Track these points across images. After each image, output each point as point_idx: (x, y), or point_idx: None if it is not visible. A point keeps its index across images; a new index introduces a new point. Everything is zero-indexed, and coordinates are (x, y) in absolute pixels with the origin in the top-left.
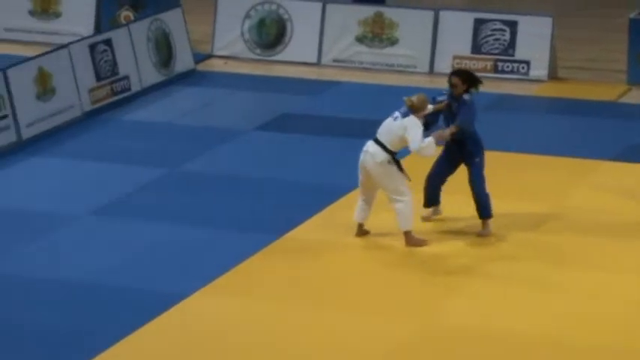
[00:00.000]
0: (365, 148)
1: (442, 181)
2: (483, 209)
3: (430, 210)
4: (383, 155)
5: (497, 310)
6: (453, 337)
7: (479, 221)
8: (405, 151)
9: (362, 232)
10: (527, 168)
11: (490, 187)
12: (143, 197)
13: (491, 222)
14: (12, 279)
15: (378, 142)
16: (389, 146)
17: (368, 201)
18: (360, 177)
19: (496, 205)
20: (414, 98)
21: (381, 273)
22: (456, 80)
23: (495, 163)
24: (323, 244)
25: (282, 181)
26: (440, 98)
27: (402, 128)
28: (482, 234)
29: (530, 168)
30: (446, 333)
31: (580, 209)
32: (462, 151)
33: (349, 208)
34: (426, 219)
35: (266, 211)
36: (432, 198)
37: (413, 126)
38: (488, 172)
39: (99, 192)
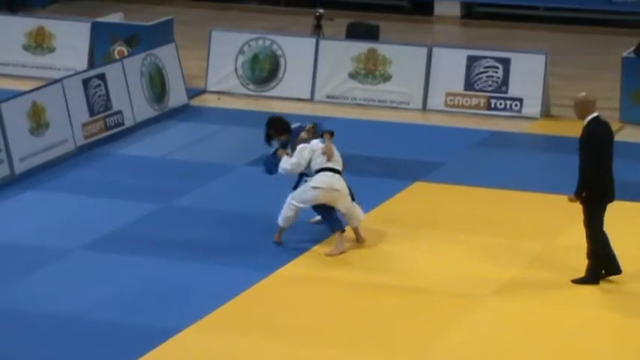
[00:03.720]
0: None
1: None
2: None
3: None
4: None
5: (491, 349)
6: None
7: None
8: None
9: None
10: (519, 205)
11: (481, 223)
12: (135, 232)
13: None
14: (2, 313)
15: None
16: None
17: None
18: (325, 199)
19: (487, 243)
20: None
21: (373, 308)
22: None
23: (487, 200)
24: (313, 281)
25: (273, 217)
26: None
27: None
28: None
29: (522, 206)
30: None
31: (571, 248)
32: None
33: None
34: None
35: (257, 248)
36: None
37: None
38: (481, 208)
39: (91, 226)
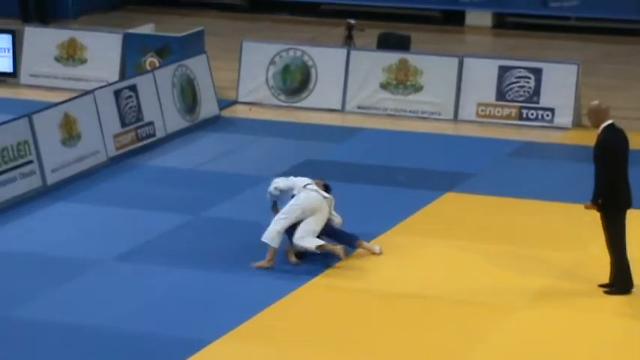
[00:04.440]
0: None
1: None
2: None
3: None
4: None
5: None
6: None
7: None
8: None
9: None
10: (550, 216)
11: (513, 234)
12: (167, 243)
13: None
14: (35, 324)
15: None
16: None
17: None
18: (313, 201)
19: (519, 253)
20: None
21: (405, 318)
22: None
23: (519, 210)
24: (346, 291)
25: None
26: None
27: None
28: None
29: (553, 216)
30: None
31: (603, 258)
32: None
33: (373, 256)
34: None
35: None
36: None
37: None
38: (513, 219)
39: (123, 237)
